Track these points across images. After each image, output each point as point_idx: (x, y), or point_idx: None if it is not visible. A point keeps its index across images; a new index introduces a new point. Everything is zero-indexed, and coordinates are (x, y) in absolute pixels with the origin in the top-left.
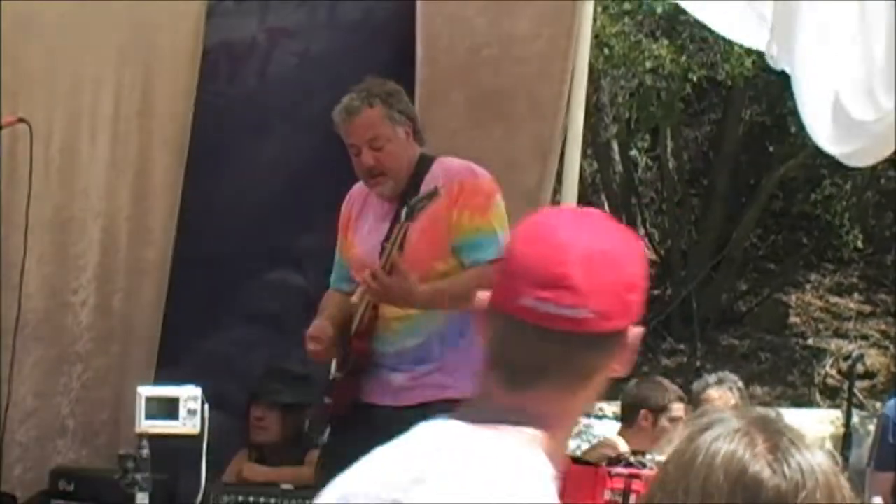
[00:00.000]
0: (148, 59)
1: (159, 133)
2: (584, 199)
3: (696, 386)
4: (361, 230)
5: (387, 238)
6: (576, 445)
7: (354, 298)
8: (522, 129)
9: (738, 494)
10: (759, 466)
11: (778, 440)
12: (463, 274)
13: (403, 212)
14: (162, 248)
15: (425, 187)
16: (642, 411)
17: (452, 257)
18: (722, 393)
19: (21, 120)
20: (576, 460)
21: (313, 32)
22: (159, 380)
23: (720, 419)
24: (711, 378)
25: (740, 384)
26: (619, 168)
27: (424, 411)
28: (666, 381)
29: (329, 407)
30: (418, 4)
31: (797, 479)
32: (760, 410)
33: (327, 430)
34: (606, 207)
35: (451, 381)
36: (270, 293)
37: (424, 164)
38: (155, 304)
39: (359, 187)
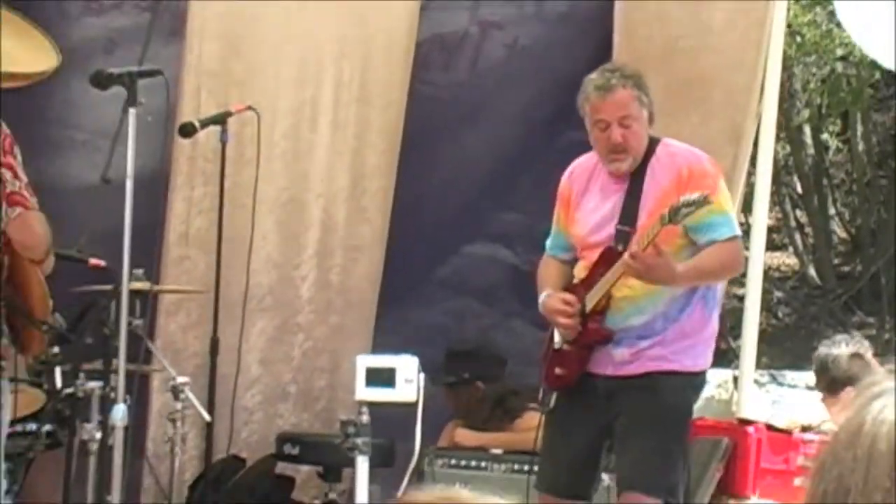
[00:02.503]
0: (365, 51)
1: (375, 119)
2: (778, 181)
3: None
4: (586, 207)
5: (620, 220)
6: (769, 414)
7: (578, 273)
8: (717, 116)
9: None
10: None
11: None
12: (706, 252)
13: (667, 213)
14: (378, 226)
15: (650, 170)
16: (848, 388)
17: (682, 238)
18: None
19: (249, 108)
20: (770, 427)
21: (522, 25)
22: (376, 349)
23: (890, 388)
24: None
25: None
26: (811, 151)
27: (644, 381)
28: (875, 363)
29: (560, 377)
30: (617, 2)
31: None
32: None
33: (554, 397)
34: (799, 188)
35: (670, 354)
36: (481, 268)
37: (651, 145)
38: (371, 278)
39: (581, 165)
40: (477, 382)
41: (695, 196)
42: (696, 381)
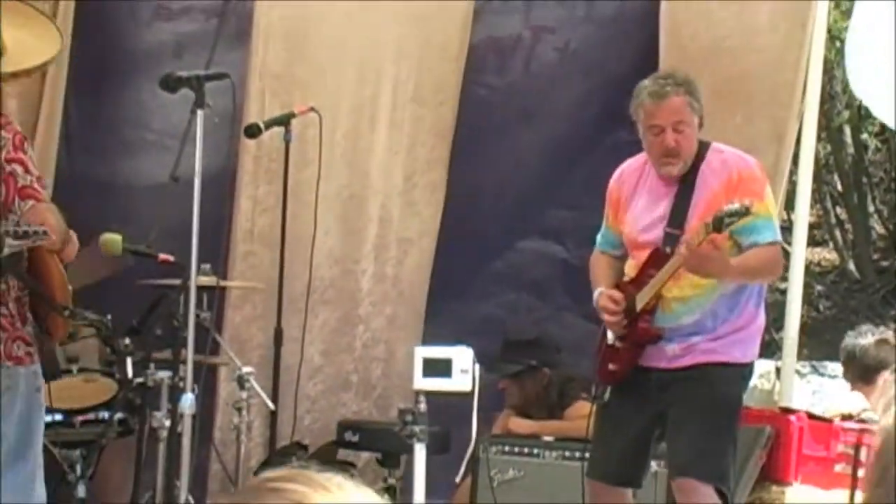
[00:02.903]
0: (421, 53)
1: (429, 119)
2: (819, 180)
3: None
4: (636, 208)
5: (669, 223)
6: (810, 403)
7: (628, 270)
8: (761, 115)
9: None
10: None
11: None
12: (750, 253)
13: (711, 222)
14: (427, 219)
15: (701, 175)
16: (883, 372)
17: (728, 240)
18: None
19: (312, 109)
20: (812, 416)
21: (573, 28)
22: (427, 339)
23: None
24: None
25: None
26: (851, 151)
27: (697, 372)
28: None
29: (613, 373)
30: (663, 3)
31: None
32: None
33: (608, 391)
34: (839, 186)
35: (720, 347)
36: (532, 262)
37: (702, 149)
38: (422, 269)
39: (630, 167)
40: (544, 369)
41: (736, 206)
42: (745, 371)
